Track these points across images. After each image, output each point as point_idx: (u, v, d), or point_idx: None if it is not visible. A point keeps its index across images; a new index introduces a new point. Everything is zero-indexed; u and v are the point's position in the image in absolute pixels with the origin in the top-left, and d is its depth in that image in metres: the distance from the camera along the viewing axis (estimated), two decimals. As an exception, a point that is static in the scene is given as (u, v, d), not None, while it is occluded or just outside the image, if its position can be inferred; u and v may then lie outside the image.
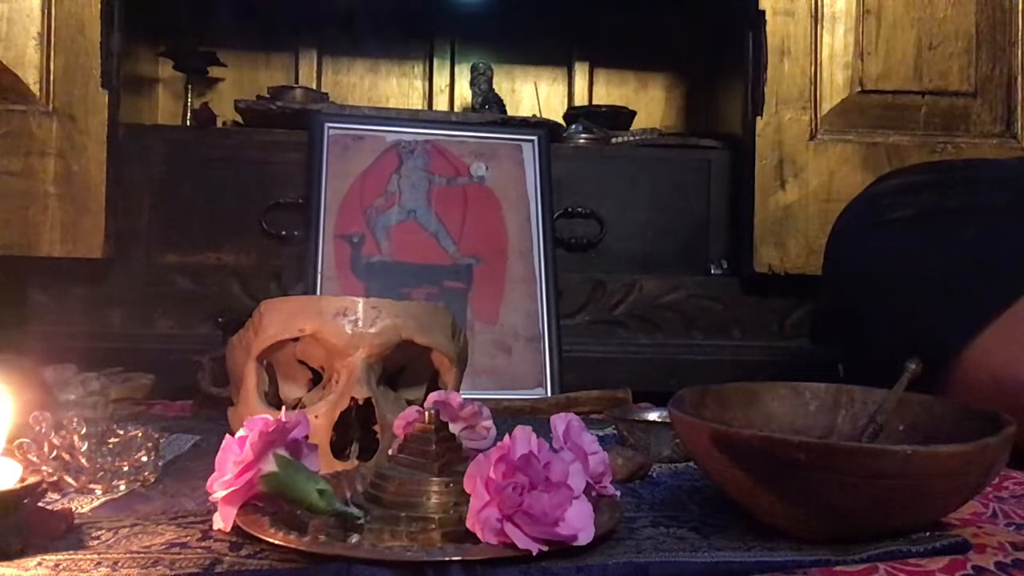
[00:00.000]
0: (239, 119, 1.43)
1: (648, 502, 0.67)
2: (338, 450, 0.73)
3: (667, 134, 1.55)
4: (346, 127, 1.33)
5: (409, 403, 0.77)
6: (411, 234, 1.29)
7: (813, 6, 1.33)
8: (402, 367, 0.81)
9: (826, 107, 1.33)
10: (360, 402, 0.72)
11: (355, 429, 0.75)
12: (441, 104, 1.69)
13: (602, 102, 1.69)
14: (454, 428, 0.73)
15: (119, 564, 0.51)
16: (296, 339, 0.76)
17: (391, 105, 1.65)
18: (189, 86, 1.55)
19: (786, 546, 0.56)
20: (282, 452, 0.57)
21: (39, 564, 0.51)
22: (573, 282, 1.34)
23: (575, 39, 1.71)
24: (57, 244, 1.19)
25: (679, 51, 1.70)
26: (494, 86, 1.55)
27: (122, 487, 0.69)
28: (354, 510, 0.55)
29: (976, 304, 0.86)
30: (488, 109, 1.51)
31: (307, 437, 0.60)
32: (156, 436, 0.75)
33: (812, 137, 1.33)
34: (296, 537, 0.52)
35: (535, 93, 1.68)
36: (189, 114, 1.53)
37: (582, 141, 1.45)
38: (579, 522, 0.52)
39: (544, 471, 0.51)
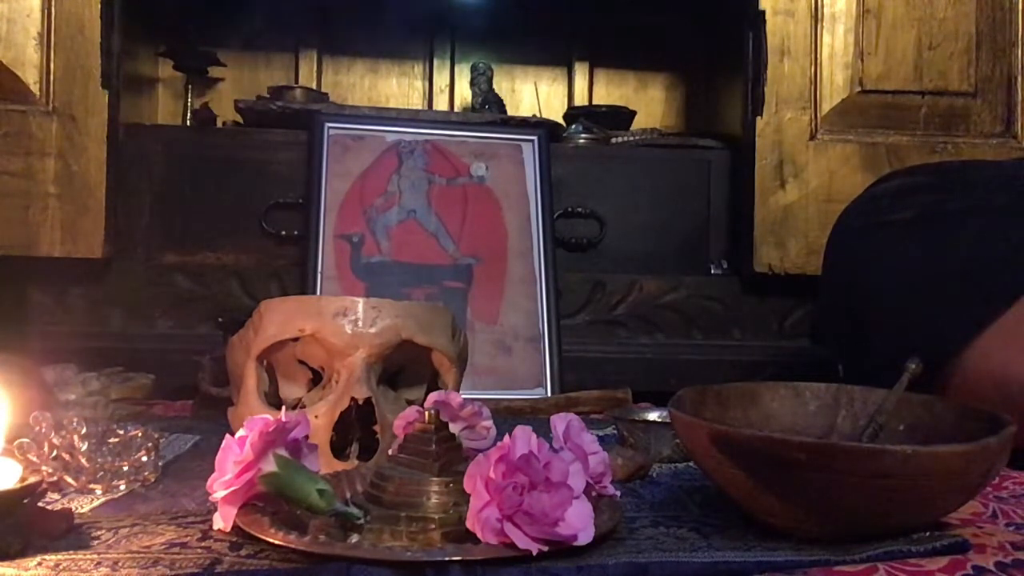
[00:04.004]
0: (239, 119, 1.43)
1: (648, 502, 0.67)
2: (338, 450, 0.73)
3: (667, 134, 1.55)
4: (346, 127, 1.33)
5: (409, 403, 0.77)
6: (411, 234, 1.29)
7: (813, 6, 1.33)
8: (402, 367, 0.81)
9: (826, 107, 1.33)
10: (360, 402, 0.72)
11: (355, 429, 0.75)
12: (441, 104, 1.69)
13: (602, 102, 1.69)
14: (454, 428, 0.73)
15: (119, 564, 0.51)
16: (296, 339, 0.76)
17: (391, 105, 1.65)
18: (189, 86, 1.55)
19: (786, 546, 0.55)
20: (282, 452, 0.57)
21: (39, 564, 0.51)
22: (573, 282, 1.34)
23: (575, 39, 1.72)
24: (57, 244, 1.19)
25: (679, 51, 1.70)
26: (494, 86, 1.55)
27: (122, 487, 0.69)
28: (354, 510, 0.55)
29: (976, 304, 0.86)
30: (488, 109, 1.51)
31: (307, 437, 0.60)
32: (156, 436, 0.74)
33: (812, 137, 1.33)
34: (296, 537, 0.52)
35: (535, 93, 1.68)
36: (189, 114, 1.53)
37: (582, 141, 1.45)
38: (579, 522, 0.51)
39: (544, 471, 0.51)
